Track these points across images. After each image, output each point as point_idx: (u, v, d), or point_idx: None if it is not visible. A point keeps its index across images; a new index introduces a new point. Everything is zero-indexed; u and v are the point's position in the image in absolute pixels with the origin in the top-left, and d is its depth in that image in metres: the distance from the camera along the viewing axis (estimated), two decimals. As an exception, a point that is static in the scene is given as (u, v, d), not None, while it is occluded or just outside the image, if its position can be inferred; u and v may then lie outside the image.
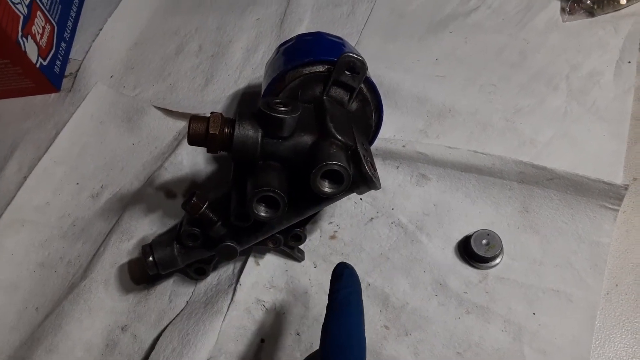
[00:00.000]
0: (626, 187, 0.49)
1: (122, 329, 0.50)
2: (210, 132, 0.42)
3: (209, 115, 0.44)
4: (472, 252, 0.49)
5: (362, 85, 0.49)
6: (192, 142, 0.43)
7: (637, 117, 0.57)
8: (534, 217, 0.52)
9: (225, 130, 0.43)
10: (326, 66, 0.48)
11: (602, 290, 0.48)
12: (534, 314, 0.47)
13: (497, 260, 0.50)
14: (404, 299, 0.49)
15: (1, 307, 0.53)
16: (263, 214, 0.42)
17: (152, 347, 0.48)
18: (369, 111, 0.51)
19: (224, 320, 0.48)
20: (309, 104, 0.48)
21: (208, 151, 0.44)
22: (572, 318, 0.47)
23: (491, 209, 0.53)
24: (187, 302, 0.51)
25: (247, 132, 0.43)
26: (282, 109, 0.42)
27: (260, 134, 0.43)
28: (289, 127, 0.43)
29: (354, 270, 0.40)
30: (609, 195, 0.50)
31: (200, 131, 0.43)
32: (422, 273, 0.51)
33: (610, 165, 0.54)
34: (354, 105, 0.50)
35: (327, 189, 0.42)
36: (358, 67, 0.47)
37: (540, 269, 0.49)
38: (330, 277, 0.51)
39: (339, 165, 0.40)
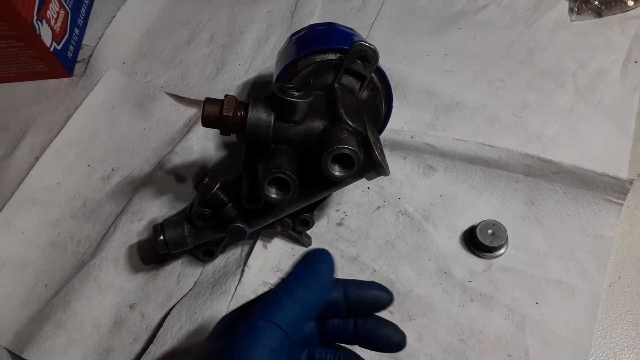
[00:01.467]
0: (631, 182, 0.50)
1: (130, 307, 0.51)
2: (224, 113, 0.43)
3: (223, 98, 0.44)
4: (478, 242, 0.50)
5: (373, 75, 0.50)
6: (206, 123, 0.44)
7: (643, 116, 0.58)
8: (539, 209, 0.53)
9: (239, 113, 0.44)
10: (338, 54, 0.49)
11: (605, 282, 0.48)
12: (537, 303, 0.48)
13: (502, 251, 0.51)
14: (409, 285, 0.50)
15: (11, 284, 0.54)
16: (273, 196, 0.43)
17: (160, 325, 0.49)
18: (379, 100, 0.52)
19: (231, 300, 0.49)
20: (320, 91, 0.48)
21: (221, 133, 0.44)
22: (575, 309, 0.47)
23: (497, 201, 0.54)
24: (195, 282, 0.51)
25: (260, 115, 0.43)
26: (295, 93, 0.43)
27: (272, 118, 0.44)
28: (301, 112, 0.43)
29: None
30: (614, 189, 0.50)
31: (214, 113, 0.44)
32: (428, 261, 0.51)
33: (615, 161, 0.54)
34: (364, 94, 0.50)
35: (337, 173, 0.42)
36: (370, 56, 0.48)
37: (544, 260, 0.50)
38: (336, 264, 0.51)
39: (350, 149, 0.41)
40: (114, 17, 0.74)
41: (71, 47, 0.71)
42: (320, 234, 0.54)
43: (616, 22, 0.66)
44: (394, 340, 0.37)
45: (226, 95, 0.44)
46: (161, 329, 0.48)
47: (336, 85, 0.49)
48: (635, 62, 0.62)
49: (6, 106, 0.68)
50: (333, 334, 0.37)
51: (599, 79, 0.61)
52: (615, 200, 0.50)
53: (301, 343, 0.36)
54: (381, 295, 0.37)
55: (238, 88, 0.67)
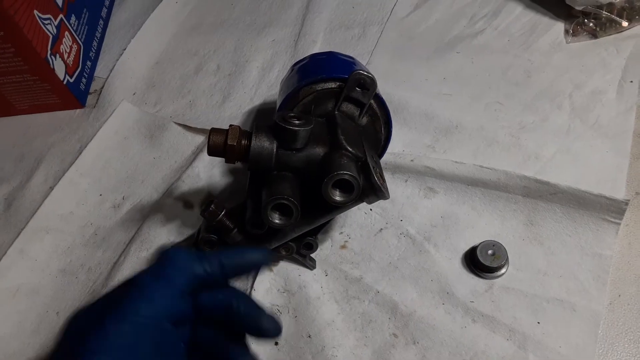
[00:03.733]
0: (627, 202, 0.51)
1: (140, 332, 0.52)
2: (229, 143, 0.45)
3: (227, 128, 0.46)
4: (478, 262, 0.51)
5: (372, 101, 0.52)
6: (211, 152, 0.46)
7: (639, 134, 0.59)
8: (538, 229, 0.53)
9: (243, 142, 0.45)
10: (338, 83, 0.51)
11: (605, 300, 0.49)
12: (538, 323, 0.49)
13: (503, 271, 0.51)
14: (412, 306, 0.51)
15: (23, 311, 0.55)
16: (277, 221, 0.44)
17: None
18: (378, 126, 0.53)
19: (239, 324, 0.50)
20: (321, 119, 0.50)
21: (226, 161, 0.46)
22: (576, 327, 0.48)
23: (497, 221, 0.55)
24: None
25: (263, 143, 0.45)
26: (296, 122, 0.45)
27: (275, 146, 0.45)
28: (303, 139, 0.45)
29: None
30: (611, 209, 0.51)
31: (219, 142, 0.46)
32: (430, 282, 0.52)
33: (613, 180, 0.55)
34: (364, 120, 0.52)
35: (338, 198, 0.44)
36: (368, 84, 0.49)
37: (544, 280, 0.51)
38: (340, 286, 0.53)
39: (350, 175, 0.43)
40: (125, 49, 0.77)
41: (83, 80, 0.74)
42: (325, 257, 0.55)
43: (611, 43, 0.67)
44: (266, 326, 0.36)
45: (231, 125, 0.46)
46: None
47: (336, 112, 0.51)
48: (631, 81, 0.63)
49: (21, 137, 0.70)
50: (209, 312, 0.36)
51: (595, 99, 0.62)
52: (613, 219, 0.51)
53: (176, 323, 0.34)
54: (255, 257, 0.38)
55: (244, 115, 0.69)
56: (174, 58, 0.77)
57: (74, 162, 0.65)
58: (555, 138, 0.59)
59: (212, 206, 0.46)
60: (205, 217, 0.46)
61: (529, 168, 0.57)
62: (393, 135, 0.55)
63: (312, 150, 0.46)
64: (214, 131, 0.46)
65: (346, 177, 0.43)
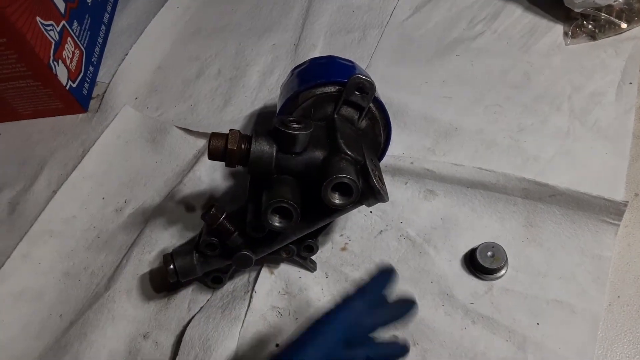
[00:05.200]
0: (625, 204, 0.51)
1: (144, 336, 0.52)
2: (229, 147, 0.46)
3: (227, 132, 0.47)
4: (478, 264, 0.51)
5: (371, 105, 0.52)
6: (212, 157, 0.47)
7: (638, 136, 0.59)
8: (537, 231, 0.54)
9: (243, 146, 0.46)
10: (337, 87, 0.51)
11: (605, 301, 0.49)
12: (537, 324, 0.49)
13: (502, 272, 0.52)
14: (412, 308, 0.51)
15: (27, 314, 0.56)
16: (277, 224, 0.45)
17: (173, 352, 0.50)
18: (377, 129, 0.54)
19: (241, 327, 0.50)
20: (321, 122, 0.51)
21: (227, 165, 0.47)
22: (576, 328, 0.48)
23: (496, 223, 0.55)
24: (202, 307, 0.53)
25: (263, 147, 0.46)
26: (296, 126, 0.45)
27: (275, 150, 0.46)
28: (302, 143, 0.46)
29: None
30: (610, 210, 0.52)
31: (219, 147, 0.46)
32: (430, 284, 0.52)
33: (612, 182, 0.55)
34: (363, 124, 0.53)
35: (337, 201, 0.44)
36: (367, 88, 0.50)
37: (544, 281, 0.51)
38: (341, 287, 0.53)
39: (349, 178, 0.43)
40: (127, 54, 0.78)
41: (86, 85, 0.75)
42: (325, 259, 0.56)
43: (610, 45, 0.67)
44: None
45: (230, 130, 0.47)
46: (177, 358, 0.49)
47: (336, 116, 0.51)
48: (630, 83, 0.63)
49: (25, 142, 0.71)
50: None
51: (594, 100, 0.62)
52: (612, 221, 0.51)
53: None
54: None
55: (245, 119, 0.69)
56: (176, 63, 0.78)
57: (76, 166, 0.65)
58: (555, 140, 0.60)
59: (212, 210, 0.47)
60: (206, 220, 0.47)
61: (528, 170, 0.57)
62: (393, 138, 0.55)
63: (312, 154, 0.46)
64: (214, 135, 0.47)
65: (345, 180, 0.43)
